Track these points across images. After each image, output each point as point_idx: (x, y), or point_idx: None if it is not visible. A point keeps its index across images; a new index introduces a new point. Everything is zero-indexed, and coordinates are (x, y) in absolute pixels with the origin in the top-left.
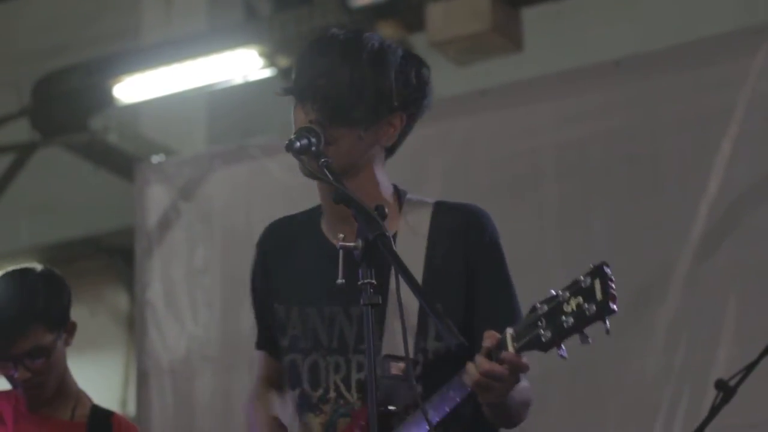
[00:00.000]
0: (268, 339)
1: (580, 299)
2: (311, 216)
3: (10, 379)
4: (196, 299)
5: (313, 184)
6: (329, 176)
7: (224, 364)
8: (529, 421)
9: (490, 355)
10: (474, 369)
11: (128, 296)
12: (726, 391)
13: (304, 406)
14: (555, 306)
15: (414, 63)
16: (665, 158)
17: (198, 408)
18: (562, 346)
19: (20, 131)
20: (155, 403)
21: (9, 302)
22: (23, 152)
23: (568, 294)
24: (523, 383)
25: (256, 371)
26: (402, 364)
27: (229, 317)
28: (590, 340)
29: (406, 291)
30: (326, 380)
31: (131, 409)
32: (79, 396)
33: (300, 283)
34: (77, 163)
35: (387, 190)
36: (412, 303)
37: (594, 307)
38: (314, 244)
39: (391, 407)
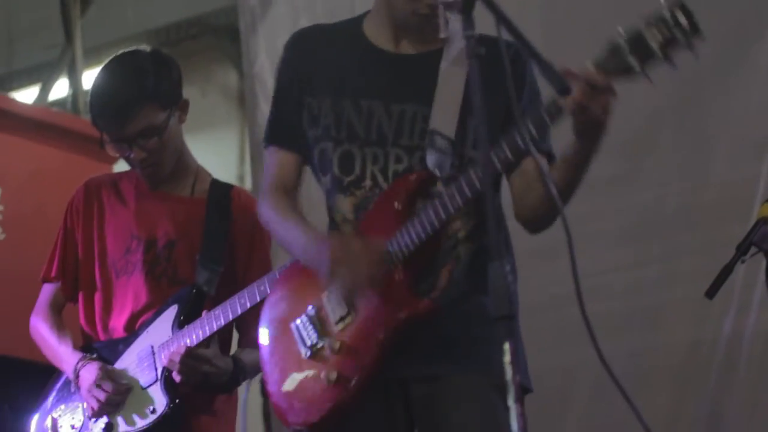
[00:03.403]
0: (285, 132)
1: (664, 27)
2: (350, 23)
3: (127, 160)
4: None
5: None
6: None
7: None
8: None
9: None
10: (576, 88)
11: (237, 73)
12: None
13: (334, 189)
14: (636, 37)
15: None
16: None
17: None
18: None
19: None
20: None
21: (119, 84)
22: None
23: (648, 24)
24: None
25: (266, 171)
26: (446, 142)
27: None
28: (677, 67)
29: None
30: (362, 168)
31: (248, 184)
32: (199, 172)
33: (335, 78)
34: None
35: None
36: (454, 111)
37: (682, 34)
38: (353, 44)
39: (436, 172)
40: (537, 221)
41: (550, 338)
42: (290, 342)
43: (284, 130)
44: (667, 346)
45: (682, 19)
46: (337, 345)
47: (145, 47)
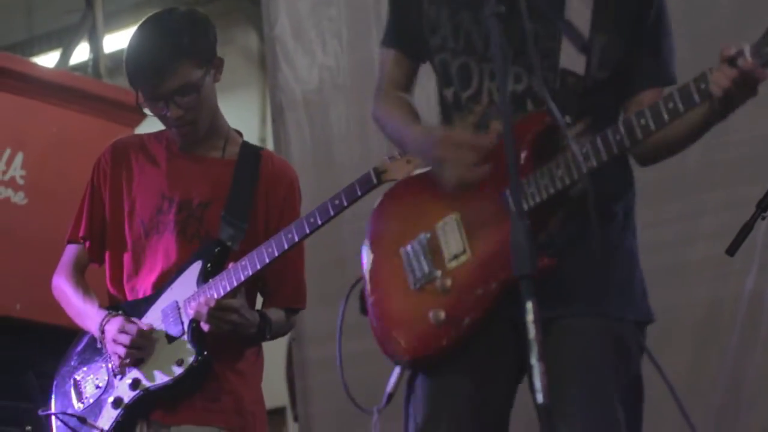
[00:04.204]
0: (405, 36)
1: None
2: None
3: (163, 118)
4: (323, 30)
5: None
6: None
7: (356, 91)
8: None
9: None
10: (722, 76)
11: (257, 35)
12: None
13: (453, 105)
14: None
15: None
16: None
17: (334, 137)
18: None
19: None
20: (293, 135)
21: (156, 42)
22: None
23: None
24: None
25: (381, 71)
26: (575, 79)
27: (357, 45)
28: None
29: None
30: (479, 84)
31: (270, 146)
32: (230, 134)
33: None
34: None
35: None
36: (584, 23)
37: None
38: None
39: (568, 119)
40: (647, 154)
41: None
42: (398, 267)
43: (400, 34)
44: (689, 304)
45: None
46: (448, 283)
47: (180, 6)
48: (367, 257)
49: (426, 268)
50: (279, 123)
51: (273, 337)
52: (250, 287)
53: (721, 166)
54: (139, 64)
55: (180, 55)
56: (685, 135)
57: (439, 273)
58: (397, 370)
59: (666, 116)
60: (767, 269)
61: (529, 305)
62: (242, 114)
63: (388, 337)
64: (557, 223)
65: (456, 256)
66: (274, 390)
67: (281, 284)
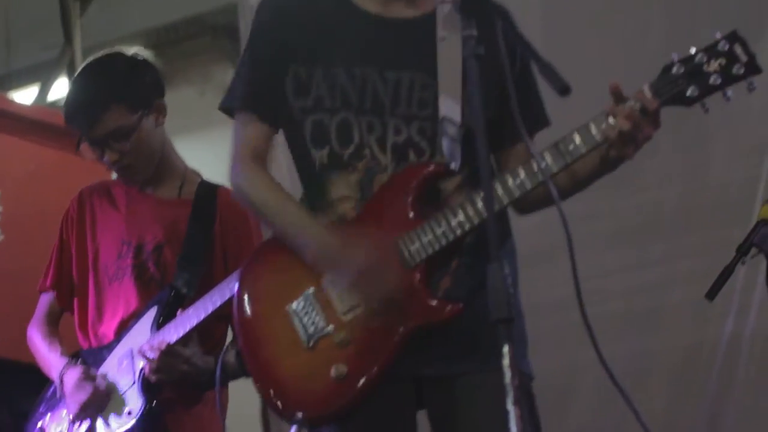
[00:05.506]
0: (264, 100)
1: (723, 60)
2: None
3: (102, 162)
4: None
5: None
6: None
7: None
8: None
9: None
10: (621, 116)
11: None
12: None
13: (332, 165)
14: (695, 66)
15: None
16: None
17: None
18: (705, 102)
19: None
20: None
21: (88, 87)
22: None
23: (706, 56)
24: None
25: (241, 141)
26: (456, 129)
27: None
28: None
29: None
30: (359, 138)
31: None
32: (187, 174)
33: (325, 45)
34: None
35: None
36: (456, 89)
37: (742, 67)
38: (342, 11)
39: (453, 166)
40: (528, 205)
41: (550, 340)
42: (286, 326)
43: (261, 98)
44: (668, 348)
45: (742, 56)
46: (346, 337)
47: (127, 49)
48: (244, 318)
49: (319, 324)
50: None
51: (232, 379)
52: (218, 324)
53: (700, 210)
54: (72, 110)
55: (110, 100)
56: (570, 186)
57: (332, 327)
58: (293, 429)
59: (568, 158)
60: (745, 313)
61: (506, 349)
62: (219, 151)
63: (281, 398)
64: (450, 275)
65: (351, 308)
66: (248, 425)
67: None
